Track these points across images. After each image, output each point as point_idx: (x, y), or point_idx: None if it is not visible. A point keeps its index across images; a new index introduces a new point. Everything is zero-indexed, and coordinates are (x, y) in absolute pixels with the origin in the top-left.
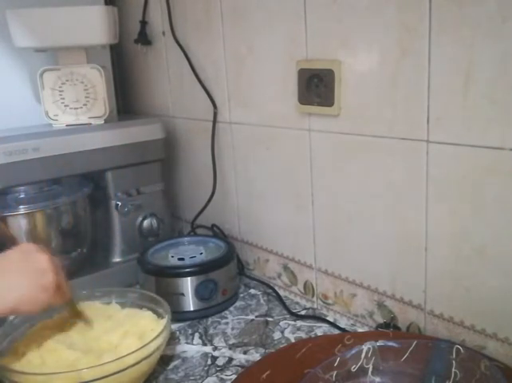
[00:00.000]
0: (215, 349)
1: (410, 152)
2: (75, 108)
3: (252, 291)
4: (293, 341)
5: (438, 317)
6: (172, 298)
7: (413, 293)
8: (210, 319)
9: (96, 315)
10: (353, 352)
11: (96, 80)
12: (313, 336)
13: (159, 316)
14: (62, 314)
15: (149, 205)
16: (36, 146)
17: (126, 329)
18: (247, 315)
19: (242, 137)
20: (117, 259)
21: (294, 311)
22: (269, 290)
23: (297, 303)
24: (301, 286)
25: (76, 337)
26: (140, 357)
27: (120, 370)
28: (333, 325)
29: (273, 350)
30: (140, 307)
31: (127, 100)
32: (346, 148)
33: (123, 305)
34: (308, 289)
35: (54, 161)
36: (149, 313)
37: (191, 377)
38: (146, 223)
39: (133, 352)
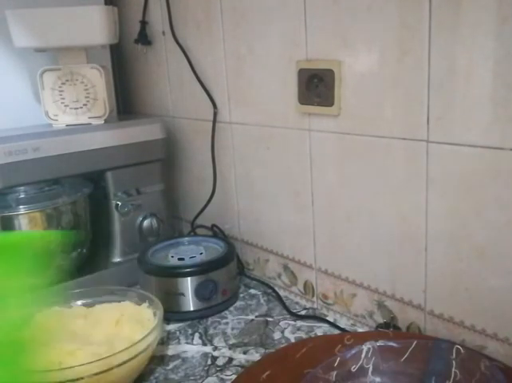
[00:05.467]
0: (215, 349)
1: (410, 152)
2: (75, 108)
3: (252, 291)
4: (293, 341)
5: (438, 317)
6: (172, 298)
7: (413, 293)
8: (210, 319)
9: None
10: (353, 352)
11: (96, 80)
12: (313, 336)
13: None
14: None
15: (149, 205)
16: (36, 146)
17: (116, 318)
18: (247, 315)
19: (242, 137)
20: (117, 259)
21: (294, 311)
22: (269, 290)
23: (297, 303)
24: (301, 286)
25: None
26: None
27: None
28: (333, 325)
29: (273, 350)
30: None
31: (127, 100)
32: (346, 148)
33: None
34: (308, 289)
35: (54, 161)
36: (126, 302)
37: (191, 377)
38: (146, 223)
39: (126, 348)
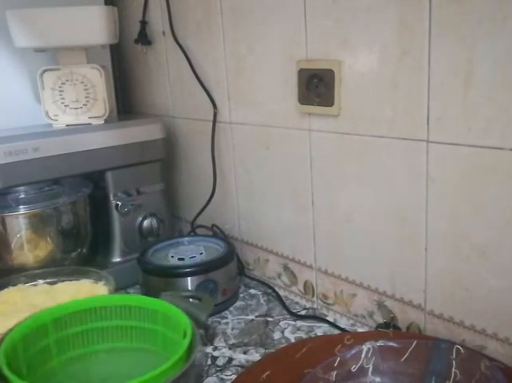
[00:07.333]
0: (215, 349)
1: (410, 152)
2: (75, 108)
3: (252, 291)
4: (293, 341)
5: (438, 317)
6: None
7: (413, 293)
8: (210, 319)
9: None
10: (353, 352)
11: (96, 80)
12: (313, 336)
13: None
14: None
15: (149, 205)
16: (36, 146)
17: (73, 294)
18: (247, 315)
19: (242, 137)
20: (117, 259)
21: (294, 311)
22: (269, 290)
23: (297, 303)
24: (301, 286)
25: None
26: None
27: None
28: (333, 325)
29: (273, 350)
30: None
31: (127, 100)
32: (346, 148)
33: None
34: (308, 289)
35: (54, 161)
36: (85, 280)
37: None
38: (146, 223)
39: None
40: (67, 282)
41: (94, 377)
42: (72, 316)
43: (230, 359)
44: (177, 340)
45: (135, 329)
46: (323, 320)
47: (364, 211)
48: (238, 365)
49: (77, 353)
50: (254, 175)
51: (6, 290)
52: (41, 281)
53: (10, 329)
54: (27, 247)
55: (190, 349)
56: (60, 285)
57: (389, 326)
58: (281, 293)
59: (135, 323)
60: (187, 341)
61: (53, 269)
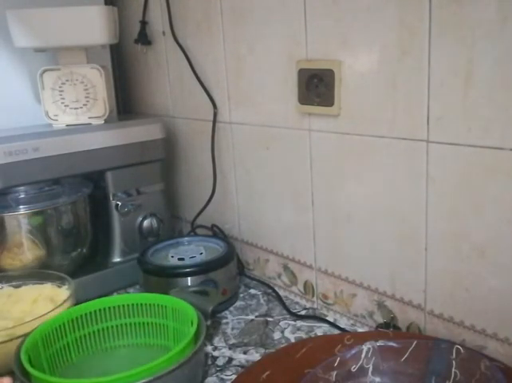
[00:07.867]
0: (215, 349)
1: (410, 152)
2: (75, 108)
3: (252, 291)
4: (293, 341)
5: (438, 317)
6: None
7: (413, 293)
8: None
9: None
10: (353, 352)
11: (96, 80)
12: (313, 336)
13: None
14: None
15: (149, 205)
16: (36, 146)
17: (34, 298)
18: (247, 315)
19: (242, 137)
20: (117, 259)
21: (294, 311)
22: (269, 290)
23: (297, 303)
24: (301, 286)
25: None
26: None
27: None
28: (333, 325)
29: (273, 350)
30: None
31: (127, 100)
32: (346, 148)
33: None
34: (308, 289)
35: (54, 161)
36: (48, 284)
37: None
38: (146, 223)
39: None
40: (30, 286)
41: (110, 372)
42: (88, 316)
43: (230, 359)
44: (187, 332)
45: (147, 326)
46: (323, 320)
47: (364, 211)
48: (238, 365)
49: (94, 350)
50: (254, 175)
51: None
52: (5, 284)
53: (32, 330)
54: (27, 247)
55: (197, 336)
56: (23, 288)
57: (389, 326)
58: (281, 293)
59: (147, 320)
60: (193, 329)
61: (19, 272)
